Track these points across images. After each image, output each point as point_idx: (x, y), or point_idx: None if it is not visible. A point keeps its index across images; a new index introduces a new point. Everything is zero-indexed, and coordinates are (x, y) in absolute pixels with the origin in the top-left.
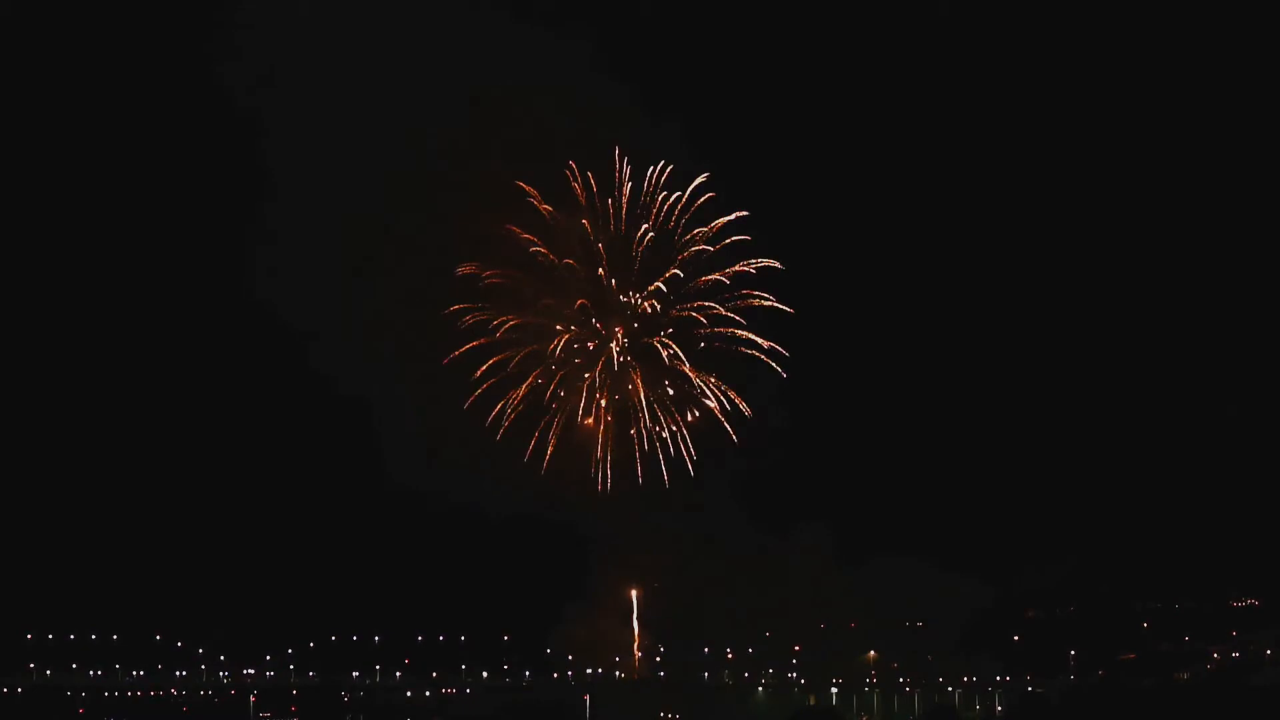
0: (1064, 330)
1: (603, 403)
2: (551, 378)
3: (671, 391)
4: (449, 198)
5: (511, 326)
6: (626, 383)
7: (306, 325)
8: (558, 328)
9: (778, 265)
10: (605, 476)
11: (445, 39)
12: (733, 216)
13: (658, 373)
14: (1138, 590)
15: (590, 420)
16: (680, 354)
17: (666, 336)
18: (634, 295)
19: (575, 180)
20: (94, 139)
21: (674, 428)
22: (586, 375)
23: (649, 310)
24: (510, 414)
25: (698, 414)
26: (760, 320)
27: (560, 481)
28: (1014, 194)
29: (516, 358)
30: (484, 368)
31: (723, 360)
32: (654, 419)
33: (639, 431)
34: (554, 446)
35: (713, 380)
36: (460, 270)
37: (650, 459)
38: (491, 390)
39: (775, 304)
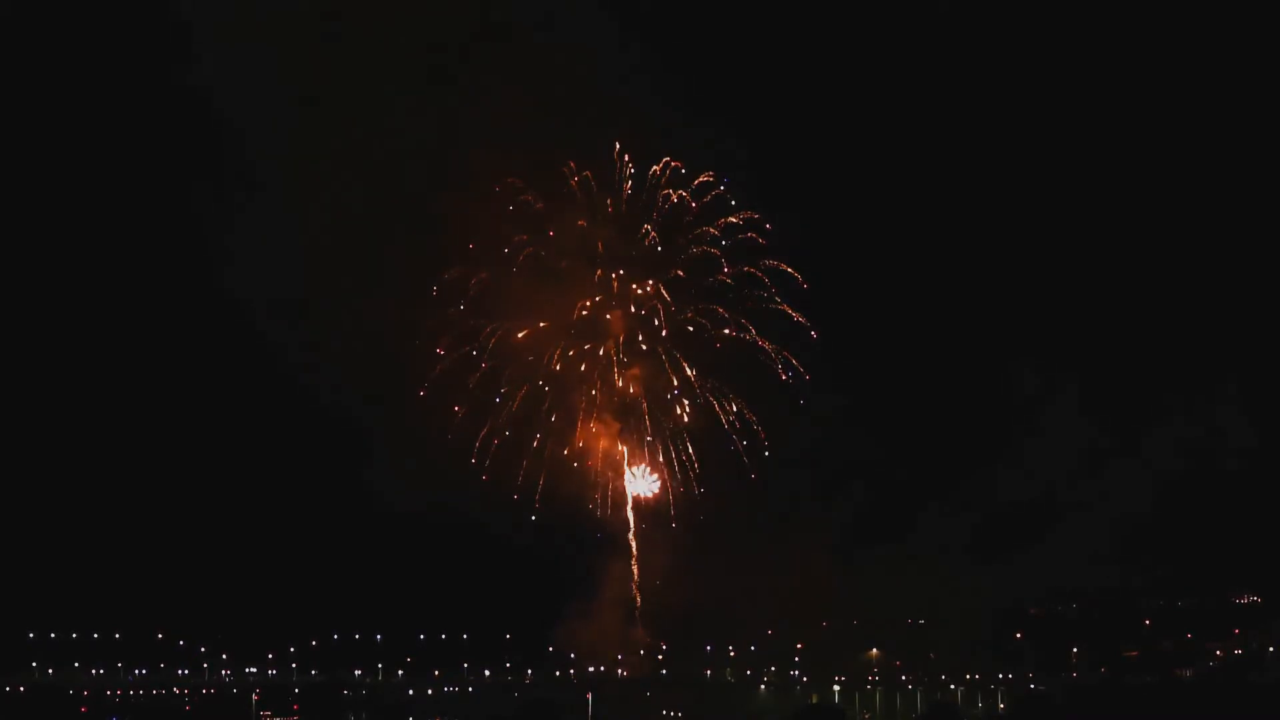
0: (1067, 321)
1: (593, 427)
2: (542, 398)
3: (678, 407)
4: (440, 195)
5: (503, 334)
6: (626, 396)
7: (311, 327)
8: (544, 324)
9: (799, 278)
10: (605, 508)
11: (439, 28)
12: (735, 218)
13: (663, 386)
14: (1140, 587)
15: (585, 440)
16: (686, 366)
17: (672, 345)
18: (637, 290)
19: (573, 179)
20: (80, 142)
21: (689, 450)
22: (583, 386)
23: (655, 320)
24: (496, 441)
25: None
26: (771, 325)
27: (556, 518)
28: (1022, 197)
29: (505, 371)
30: (472, 380)
31: (733, 372)
32: (658, 432)
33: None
34: (545, 480)
35: (720, 386)
36: (447, 274)
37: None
38: (478, 415)
39: (796, 316)
